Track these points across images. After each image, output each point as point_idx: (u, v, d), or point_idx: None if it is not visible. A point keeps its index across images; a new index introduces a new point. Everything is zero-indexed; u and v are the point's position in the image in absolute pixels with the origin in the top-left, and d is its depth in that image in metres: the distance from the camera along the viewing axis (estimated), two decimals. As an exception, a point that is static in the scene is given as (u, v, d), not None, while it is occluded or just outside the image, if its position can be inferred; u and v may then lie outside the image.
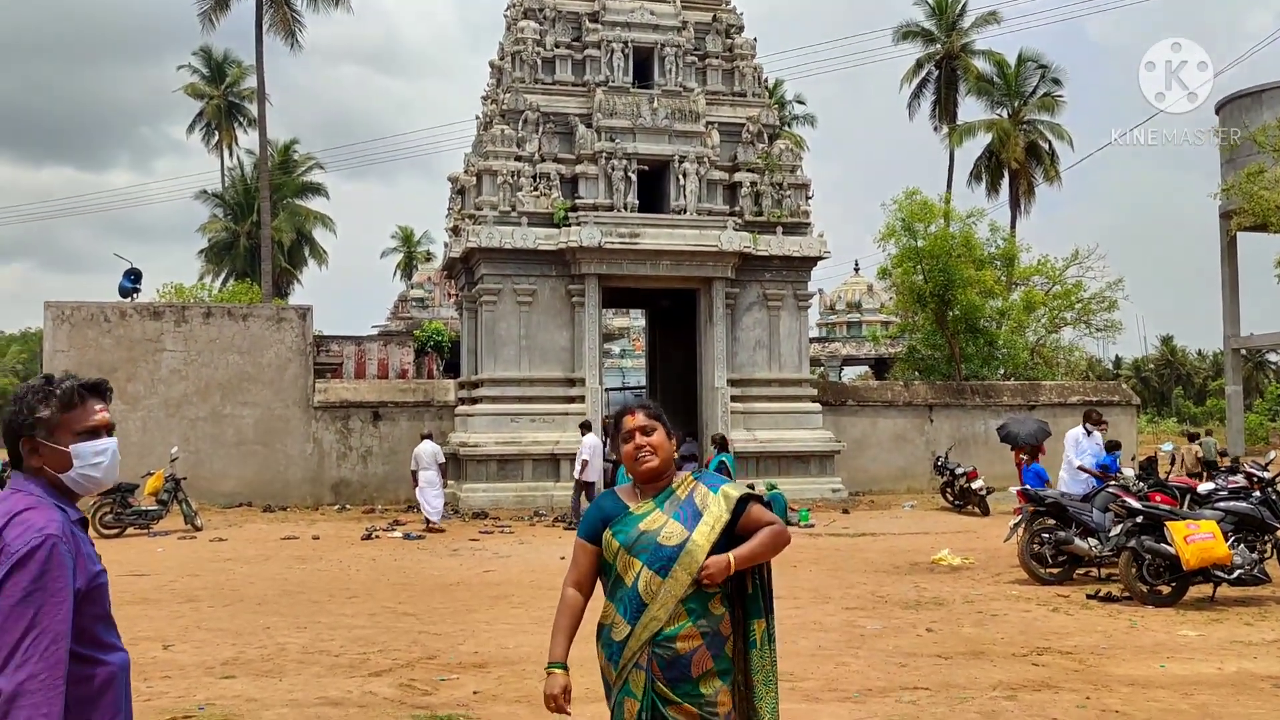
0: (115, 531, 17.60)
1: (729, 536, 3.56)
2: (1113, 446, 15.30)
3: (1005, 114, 43.59)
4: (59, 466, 2.76)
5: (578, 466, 18.82)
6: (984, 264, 28.63)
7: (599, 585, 3.69)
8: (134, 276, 24.14)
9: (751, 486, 3.77)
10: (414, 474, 18.95)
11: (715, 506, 3.57)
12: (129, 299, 23.60)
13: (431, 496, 18.53)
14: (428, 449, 18.98)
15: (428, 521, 18.34)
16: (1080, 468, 13.46)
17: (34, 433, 2.75)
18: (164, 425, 21.66)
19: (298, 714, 6.75)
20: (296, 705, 6.94)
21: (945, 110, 45.30)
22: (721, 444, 17.40)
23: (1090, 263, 32.48)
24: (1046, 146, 43.99)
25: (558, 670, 3.51)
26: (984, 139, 43.65)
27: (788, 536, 3.66)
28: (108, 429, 2.83)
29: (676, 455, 3.77)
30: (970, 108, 46.28)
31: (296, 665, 8.15)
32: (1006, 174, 43.39)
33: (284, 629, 9.65)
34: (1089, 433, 13.84)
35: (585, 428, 19.43)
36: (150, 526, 17.96)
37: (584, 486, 18.66)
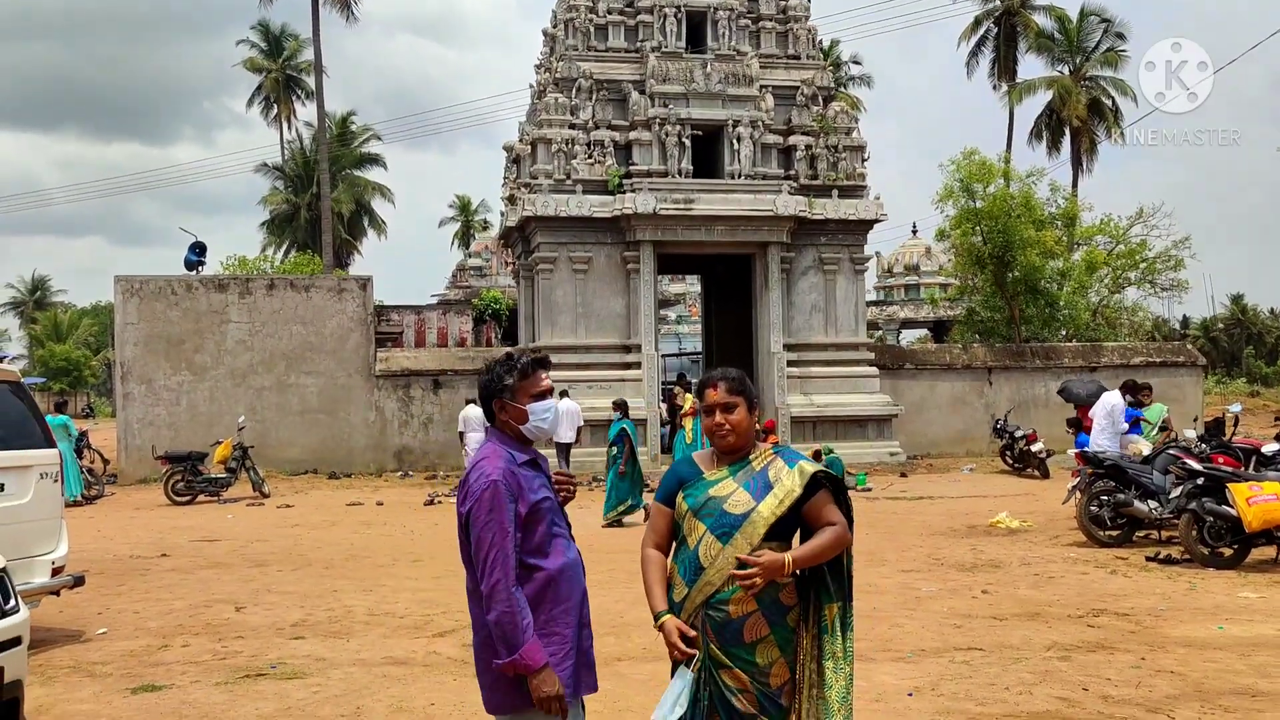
0: (187, 499, 18.13)
1: (796, 513, 3.56)
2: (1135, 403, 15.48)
3: (1066, 70, 42.65)
4: (519, 420, 3.66)
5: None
6: (1044, 224, 28.17)
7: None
8: (199, 250, 24.63)
9: (817, 455, 3.77)
10: (461, 435, 19.97)
11: (788, 480, 3.56)
12: (195, 272, 24.10)
13: None
14: (475, 413, 19.61)
15: None
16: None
17: (502, 395, 3.67)
18: (231, 395, 22.18)
19: (365, 673, 6.99)
20: (364, 665, 7.19)
21: (1004, 68, 44.47)
22: (623, 408, 16.68)
23: (1155, 221, 31.85)
24: (1110, 103, 42.98)
25: (666, 616, 3.53)
26: (1044, 96, 42.79)
27: (849, 539, 3.62)
28: (550, 392, 3.73)
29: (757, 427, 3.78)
30: (1030, 65, 45.39)
31: (363, 626, 8.40)
32: (1068, 132, 42.51)
33: (350, 592, 9.94)
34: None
35: (562, 394, 19.87)
36: (220, 494, 18.46)
37: (559, 448, 19.41)
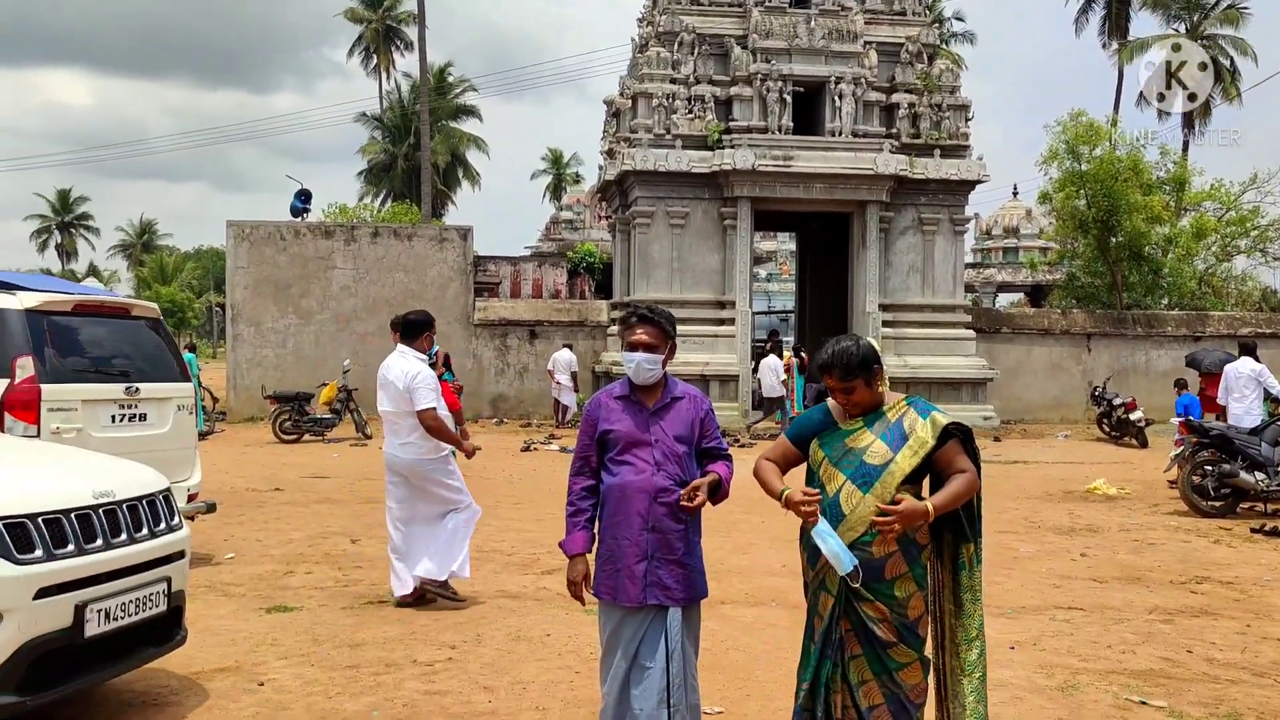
0: (293, 437, 18.83)
1: (928, 461, 3.75)
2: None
3: (1183, 28, 41.12)
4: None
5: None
6: (1152, 189, 27.41)
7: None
8: (304, 197, 25.32)
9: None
10: (550, 373, 21.93)
11: (922, 432, 3.75)
12: (300, 218, 24.78)
13: (566, 398, 21.61)
14: (564, 357, 21.85)
15: (560, 416, 21.46)
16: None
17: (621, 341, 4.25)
18: (335, 339, 22.88)
19: (481, 604, 7.33)
20: (478, 597, 7.52)
21: (1116, 25, 43.06)
22: (446, 362, 16.29)
23: (1270, 187, 30.76)
24: (1228, 63, 41.37)
25: (787, 491, 3.75)
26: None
27: (978, 485, 3.79)
28: (640, 346, 4.11)
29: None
30: (1144, 22, 44.03)
31: (473, 563, 8.68)
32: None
33: (458, 530, 10.30)
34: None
35: (766, 351, 21.35)
36: (325, 434, 19.12)
37: (768, 402, 20.83)
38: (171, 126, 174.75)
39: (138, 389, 7.86)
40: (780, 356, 21.86)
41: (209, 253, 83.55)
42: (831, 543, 3.61)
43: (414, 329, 7.49)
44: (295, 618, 6.89)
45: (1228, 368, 13.52)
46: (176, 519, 5.13)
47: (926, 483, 3.84)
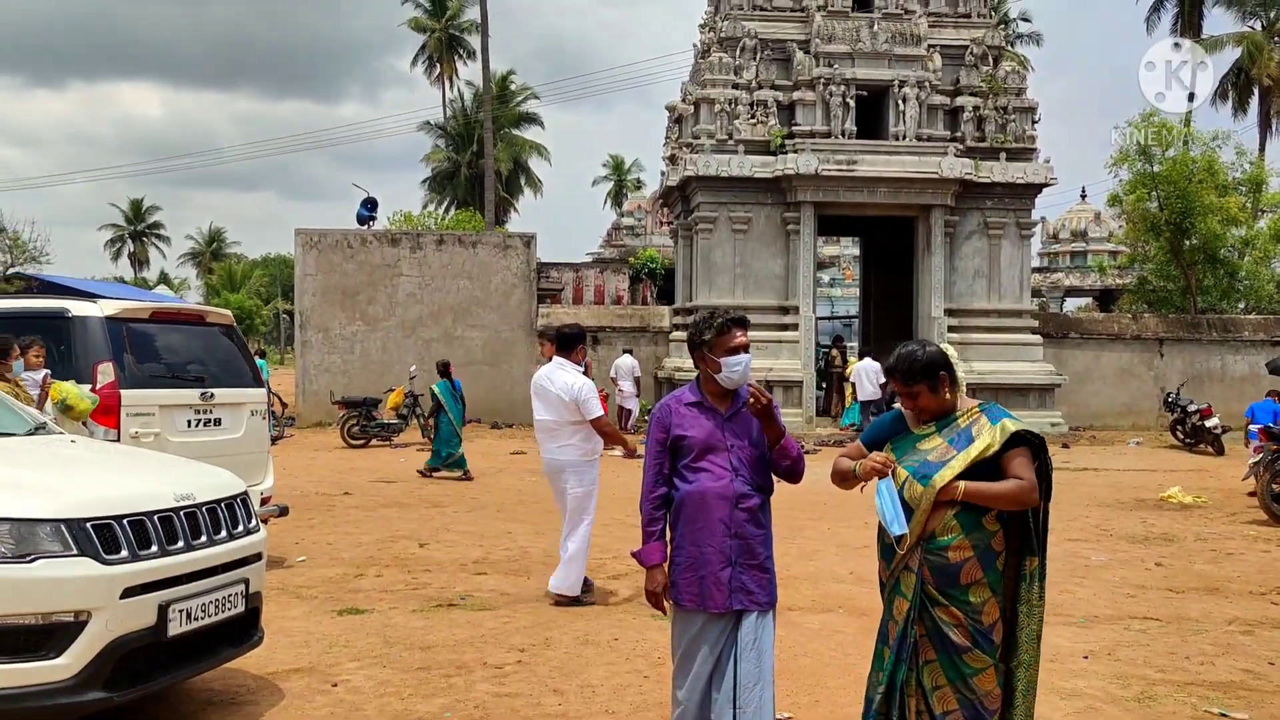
0: (361, 442, 19.09)
1: (995, 466, 3.69)
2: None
3: (1259, 25, 40.14)
4: (714, 370, 4.10)
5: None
6: (1228, 190, 26.76)
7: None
8: (371, 205, 25.70)
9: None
10: (614, 380, 21.68)
11: (988, 435, 3.72)
12: (366, 226, 25.15)
13: (630, 404, 21.64)
14: (627, 363, 21.76)
15: (623, 422, 21.15)
16: None
17: (701, 348, 4.13)
18: (401, 345, 23.17)
19: (549, 608, 7.38)
20: (547, 601, 7.57)
21: (1189, 23, 42.08)
22: (443, 370, 16.15)
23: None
24: (1307, 60, 40.24)
25: (858, 463, 3.85)
26: (1232, 54, 40.35)
27: (1033, 498, 3.69)
28: (744, 348, 4.08)
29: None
30: (1217, 20, 42.93)
31: (541, 566, 8.80)
32: (1256, 92, 40.09)
33: (524, 534, 10.41)
34: None
35: (861, 355, 22.01)
36: (392, 439, 19.37)
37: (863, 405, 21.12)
38: (240, 136, 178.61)
39: (212, 394, 8.05)
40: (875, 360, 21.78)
41: (277, 260, 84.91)
42: (889, 502, 3.62)
43: (570, 342, 7.72)
44: (366, 620, 6.99)
45: None
46: (254, 522, 5.24)
47: None
